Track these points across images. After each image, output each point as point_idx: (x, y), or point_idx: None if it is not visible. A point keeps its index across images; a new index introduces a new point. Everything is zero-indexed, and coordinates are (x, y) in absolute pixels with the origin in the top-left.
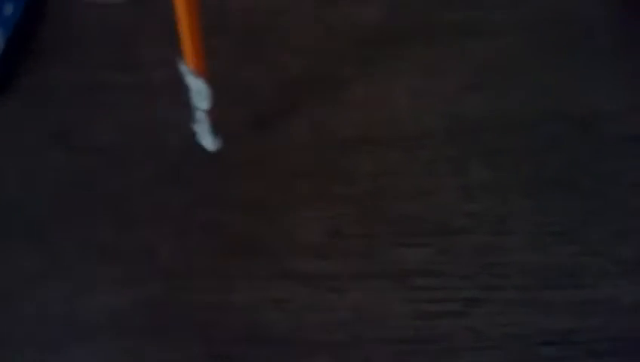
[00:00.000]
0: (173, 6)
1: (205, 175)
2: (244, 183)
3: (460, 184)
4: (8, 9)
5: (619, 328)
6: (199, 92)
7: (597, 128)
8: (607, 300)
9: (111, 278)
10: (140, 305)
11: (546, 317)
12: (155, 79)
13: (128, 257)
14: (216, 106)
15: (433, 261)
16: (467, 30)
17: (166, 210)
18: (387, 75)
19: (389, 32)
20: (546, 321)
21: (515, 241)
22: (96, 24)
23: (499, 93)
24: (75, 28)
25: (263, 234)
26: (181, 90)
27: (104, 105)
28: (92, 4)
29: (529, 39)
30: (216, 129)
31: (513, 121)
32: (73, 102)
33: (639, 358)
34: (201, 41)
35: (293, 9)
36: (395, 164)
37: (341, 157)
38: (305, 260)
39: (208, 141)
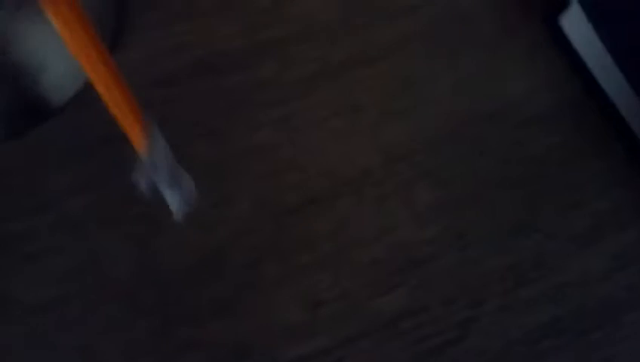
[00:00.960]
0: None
1: (163, 297)
2: (207, 292)
3: (412, 213)
4: None
5: (597, 300)
6: (159, 159)
7: (511, 117)
8: (580, 276)
9: None
10: None
11: (532, 314)
12: (72, 210)
13: None
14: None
15: (413, 298)
16: (361, 60)
17: (135, 344)
18: (306, 126)
19: (291, 84)
20: (531, 318)
21: (479, 251)
22: None
23: (412, 113)
24: None
25: (247, 333)
26: (107, 212)
27: (27, 259)
28: None
29: (419, 51)
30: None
31: (436, 135)
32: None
33: (621, 322)
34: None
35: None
36: (346, 214)
37: (293, 225)
38: (296, 345)
39: (187, 192)
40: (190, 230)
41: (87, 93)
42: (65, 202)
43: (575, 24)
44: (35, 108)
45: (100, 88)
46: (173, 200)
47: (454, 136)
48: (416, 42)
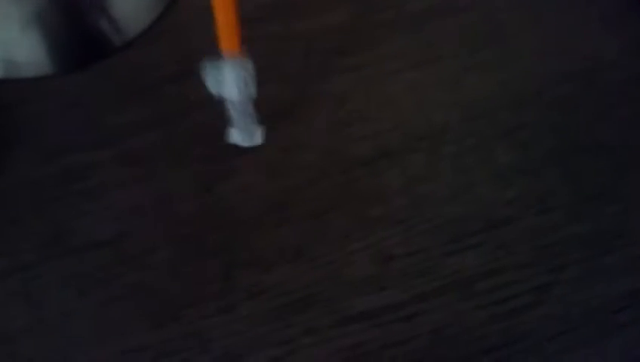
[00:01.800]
0: None
1: (229, 240)
2: (273, 237)
3: (491, 172)
4: None
5: None
6: (239, 78)
7: (599, 79)
8: None
9: None
10: None
11: (612, 284)
12: (137, 147)
13: None
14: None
15: (491, 259)
16: (440, 10)
17: (202, 286)
18: (380, 76)
19: (365, 32)
20: (613, 288)
21: (560, 216)
22: (43, 102)
23: (495, 68)
24: (26, 112)
25: (312, 283)
26: (174, 150)
27: (91, 193)
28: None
29: (502, 5)
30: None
31: (520, 93)
32: (56, 197)
33: None
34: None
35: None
36: (421, 170)
37: (364, 177)
38: (365, 298)
39: (255, 134)
40: (258, 174)
41: (153, 31)
42: (128, 138)
43: None
44: (101, 43)
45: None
46: (239, 129)
47: (539, 95)
48: (499, 2)
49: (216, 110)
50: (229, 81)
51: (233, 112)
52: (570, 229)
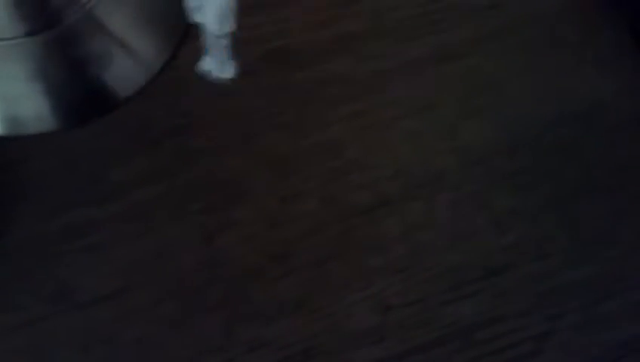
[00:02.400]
0: None
1: (229, 293)
2: (273, 290)
3: (489, 219)
4: None
5: None
6: (222, 12)
7: (596, 122)
8: None
9: None
10: None
11: (612, 331)
12: (138, 201)
13: None
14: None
15: (490, 308)
16: (437, 57)
17: (204, 341)
18: (377, 125)
19: (364, 80)
20: (613, 335)
21: (559, 262)
22: (48, 158)
23: (494, 113)
24: (29, 169)
25: (312, 336)
26: (175, 204)
27: (95, 248)
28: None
29: (499, 50)
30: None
31: (516, 138)
32: (59, 254)
33: None
34: None
35: None
36: (420, 218)
37: (363, 226)
38: (365, 350)
39: (228, 69)
40: (258, 225)
41: (153, 87)
42: (130, 193)
43: None
44: (102, 98)
45: None
46: (213, 59)
47: (536, 139)
48: (496, 41)
49: (215, 162)
50: (211, 6)
51: (210, 41)
52: (568, 275)
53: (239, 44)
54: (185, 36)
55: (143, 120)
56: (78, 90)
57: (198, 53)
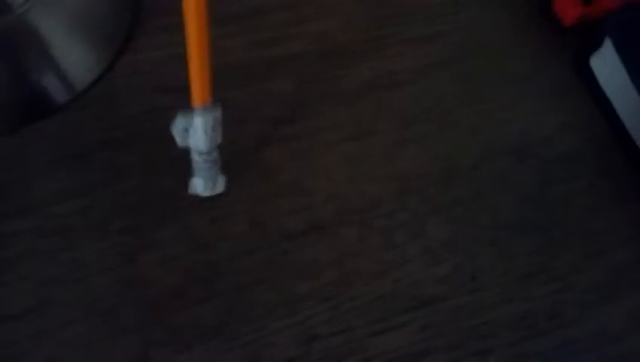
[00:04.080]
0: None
1: (147, 315)
2: (194, 314)
3: (422, 248)
4: None
5: (613, 359)
6: (209, 127)
7: (535, 155)
8: (595, 333)
9: None
10: None
11: None
12: (60, 215)
13: None
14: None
15: (417, 340)
16: (379, 83)
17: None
18: (315, 148)
19: (303, 103)
20: None
21: (492, 296)
22: None
23: (432, 143)
24: None
25: None
26: (98, 220)
27: (8, 263)
28: None
29: (443, 79)
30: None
31: (455, 167)
32: None
33: None
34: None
35: None
36: (353, 244)
37: (294, 251)
38: None
39: (218, 182)
40: (183, 246)
41: (87, 97)
42: (52, 206)
43: (605, 65)
44: (33, 106)
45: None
46: (203, 179)
47: (473, 171)
48: (440, 70)
49: (144, 179)
50: (199, 129)
51: (199, 162)
52: (501, 309)
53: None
54: (122, 48)
55: (73, 131)
56: (7, 96)
57: (135, 66)
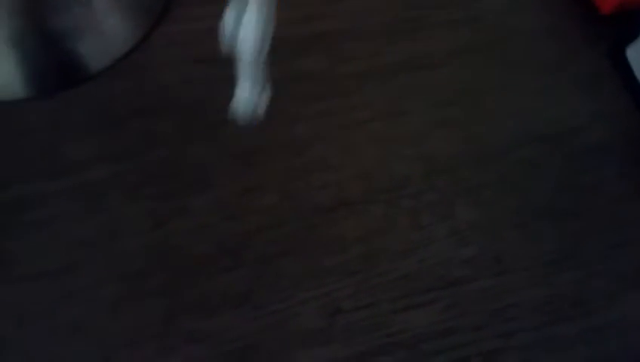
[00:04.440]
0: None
1: (175, 280)
2: (221, 281)
3: (449, 229)
4: None
5: (636, 348)
6: (260, 36)
7: (567, 143)
8: (619, 321)
9: None
10: None
11: (561, 355)
12: (92, 179)
13: None
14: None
15: (441, 319)
16: (413, 64)
17: (143, 327)
18: (345, 126)
19: (336, 80)
20: (565, 359)
21: (517, 279)
22: (3, 127)
23: (463, 125)
24: None
25: (256, 332)
26: (130, 185)
27: (42, 223)
28: None
29: (476, 63)
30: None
31: (485, 151)
32: (6, 226)
33: None
34: None
35: None
36: (380, 222)
37: (322, 225)
38: (308, 351)
39: (263, 99)
40: (213, 215)
41: (123, 65)
42: (85, 170)
43: None
44: (71, 71)
45: None
46: (245, 92)
47: (504, 155)
48: (472, 54)
49: (177, 148)
50: (248, 31)
51: (244, 69)
52: (526, 293)
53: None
54: (159, 18)
55: (108, 98)
56: (47, 59)
57: (172, 37)
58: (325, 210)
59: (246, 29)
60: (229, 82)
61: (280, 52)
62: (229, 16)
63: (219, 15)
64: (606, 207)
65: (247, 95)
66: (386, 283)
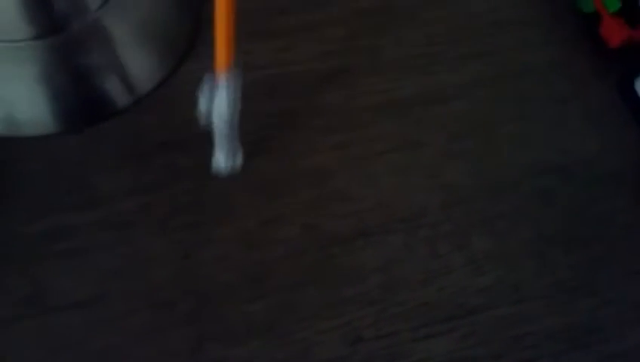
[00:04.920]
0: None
1: (201, 309)
2: (246, 310)
3: (466, 259)
4: None
5: None
6: (231, 93)
7: (579, 173)
8: (635, 349)
9: None
10: None
11: None
12: (121, 211)
13: None
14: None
15: (461, 347)
16: (427, 98)
17: (172, 355)
18: (364, 157)
19: (353, 113)
20: None
21: (533, 307)
22: (36, 161)
23: (477, 157)
24: (14, 169)
25: (282, 359)
26: (158, 217)
27: (72, 254)
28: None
29: (489, 96)
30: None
31: (499, 182)
32: (38, 257)
33: None
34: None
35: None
36: (397, 252)
37: (342, 255)
38: None
39: (237, 155)
40: (236, 245)
41: (149, 101)
42: (114, 202)
43: None
44: (99, 106)
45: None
46: (223, 151)
47: (518, 186)
48: (486, 87)
49: (201, 181)
50: (221, 96)
51: (221, 130)
52: (543, 321)
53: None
54: (184, 56)
55: (134, 132)
56: (76, 96)
57: (196, 73)
58: (345, 240)
59: (218, 108)
60: (248, 115)
61: (299, 87)
62: (202, 98)
63: (242, 53)
64: (619, 235)
65: (223, 165)
66: (406, 311)
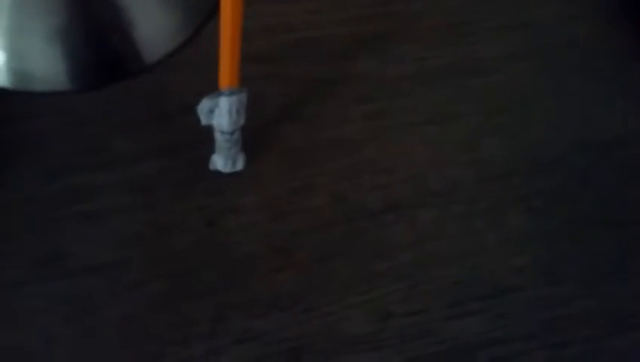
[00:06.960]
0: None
1: (225, 279)
2: (271, 281)
3: (501, 237)
4: None
5: None
6: (233, 109)
7: (618, 154)
8: None
9: None
10: None
11: None
12: (142, 173)
13: None
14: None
15: (494, 327)
16: (462, 69)
17: (192, 325)
18: (396, 128)
19: (386, 82)
20: None
21: (569, 290)
22: (55, 119)
23: (514, 132)
24: (33, 126)
25: (306, 334)
26: (180, 182)
27: (92, 216)
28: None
29: (527, 70)
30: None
31: (536, 159)
32: (56, 217)
33: None
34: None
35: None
36: (430, 227)
37: (372, 228)
38: (357, 356)
39: (238, 160)
40: (263, 214)
41: (173, 60)
42: (135, 164)
43: None
44: (121, 64)
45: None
46: (224, 156)
47: (557, 163)
48: (524, 61)
49: None
50: (223, 110)
51: (221, 141)
52: (579, 304)
53: (263, 31)
54: (210, 16)
55: (157, 92)
56: (97, 52)
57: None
58: (375, 213)
59: (219, 116)
60: (278, 80)
61: (332, 52)
62: (204, 105)
63: (271, 13)
64: None
65: (220, 169)
66: (438, 289)
